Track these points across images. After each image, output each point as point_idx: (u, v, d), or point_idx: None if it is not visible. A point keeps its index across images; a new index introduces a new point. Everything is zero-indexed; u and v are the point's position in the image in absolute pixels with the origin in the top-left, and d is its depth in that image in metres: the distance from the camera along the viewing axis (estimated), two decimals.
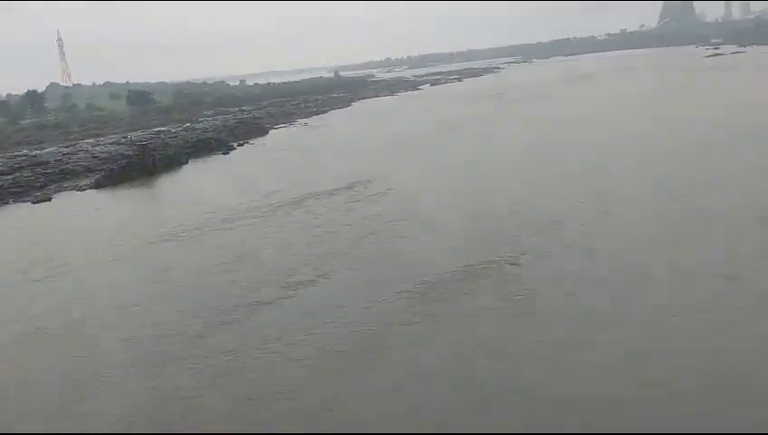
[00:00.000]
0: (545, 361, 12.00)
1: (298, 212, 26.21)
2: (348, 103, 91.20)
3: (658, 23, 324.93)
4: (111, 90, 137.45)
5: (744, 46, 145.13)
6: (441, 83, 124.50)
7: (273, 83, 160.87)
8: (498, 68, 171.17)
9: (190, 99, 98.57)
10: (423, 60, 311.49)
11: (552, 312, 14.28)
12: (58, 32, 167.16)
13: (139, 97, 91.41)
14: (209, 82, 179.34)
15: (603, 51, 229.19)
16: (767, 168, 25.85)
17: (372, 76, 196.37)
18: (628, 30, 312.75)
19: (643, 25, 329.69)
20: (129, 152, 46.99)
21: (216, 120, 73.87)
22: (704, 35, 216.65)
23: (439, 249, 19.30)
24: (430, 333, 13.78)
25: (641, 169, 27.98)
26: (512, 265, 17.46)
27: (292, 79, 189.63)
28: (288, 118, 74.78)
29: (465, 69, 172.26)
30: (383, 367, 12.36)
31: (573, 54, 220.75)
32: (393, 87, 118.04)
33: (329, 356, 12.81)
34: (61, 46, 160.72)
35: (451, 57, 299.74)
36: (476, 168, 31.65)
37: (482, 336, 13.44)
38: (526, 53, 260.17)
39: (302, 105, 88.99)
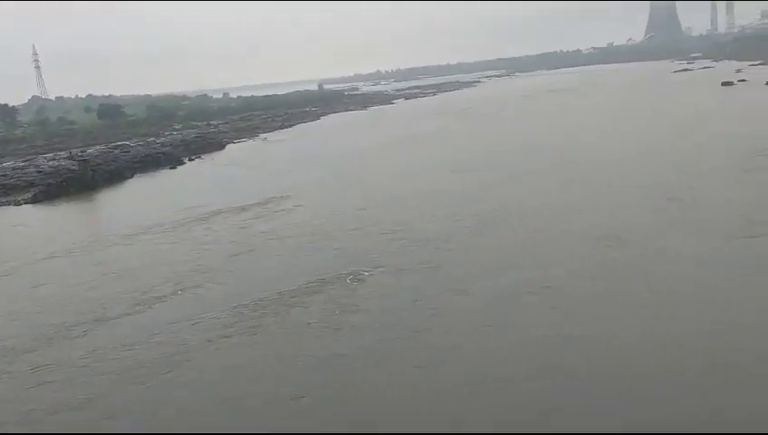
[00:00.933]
0: (338, 376, 12.66)
1: (199, 228, 26.90)
2: (317, 117, 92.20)
3: (644, 37, 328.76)
4: (93, 103, 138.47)
5: (718, 61, 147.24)
6: (415, 97, 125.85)
7: (255, 96, 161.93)
8: (479, 81, 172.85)
9: (162, 112, 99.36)
10: (411, 72, 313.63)
11: (365, 326, 14.94)
12: (33, 46, 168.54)
13: (110, 111, 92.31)
14: (193, 94, 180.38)
15: (587, 64, 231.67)
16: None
17: (356, 89, 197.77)
18: (615, 43, 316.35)
19: (630, 39, 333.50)
20: (74, 167, 47.66)
21: (181, 134, 74.76)
22: (685, 50, 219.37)
23: (305, 265, 19.97)
24: (239, 346, 14.45)
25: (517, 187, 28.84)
26: (357, 280, 18.13)
27: (281, 91, 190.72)
28: (251, 132, 75.59)
29: (446, 83, 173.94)
30: (172, 379, 13.01)
31: (557, 68, 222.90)
32: (366, 101, 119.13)
33: (129, 370, 13.44)
34: (36, 60, 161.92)
35: (438, 70, 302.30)
36: (387, 187, 32.33)
37: (286, 347, 14.11)
38: (512, 67, 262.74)
39: (271, 119, 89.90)
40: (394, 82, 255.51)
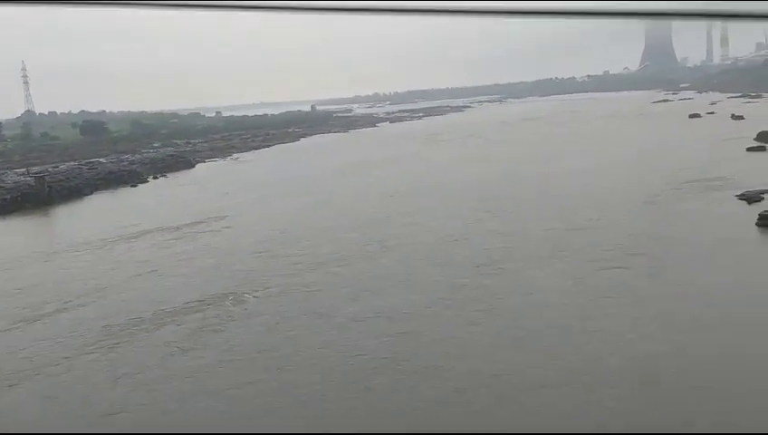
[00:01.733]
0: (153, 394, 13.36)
1: (122, 247, 27.71)
2: (296, 139, 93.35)
3: (639, 66, 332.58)
4: (85, 118, 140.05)
5: (702, 92, 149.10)
6: (401, 121, 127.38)
7: (246, 116, 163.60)
8: (469, 107, 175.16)
9: (146, 130, 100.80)
10: (408, 96, 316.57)
11: (217, 346, 15.67)
12: (23, 62, 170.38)
13: (93, 127, 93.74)
14: (187, 112, 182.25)
15: (580, 92, 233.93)
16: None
17: (350, 111, 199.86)
18: (611, 72, 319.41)
19: (626, 68, 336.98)
20: (33, 183, 48.61)
21: (157, 152, 75.89)
22: (675, 80, 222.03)
23: (198, 286, 20.75)
24: (93, 363, 15.16)
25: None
26: (238, 301, 18.89)
27: (277, 111, 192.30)
28: (226, 152, 76.64)
29: (438, 107, 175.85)
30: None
31: (550, 95, 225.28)
32: (351, 124, 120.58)
33: None
34: (24, 75, 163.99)
35: (435, 94, 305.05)
36: (314, 211, 33.09)
37: (129, 366, 14.82)
38: (507, 93, 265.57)
39: (251, 139, 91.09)
40: (390, 104, 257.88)
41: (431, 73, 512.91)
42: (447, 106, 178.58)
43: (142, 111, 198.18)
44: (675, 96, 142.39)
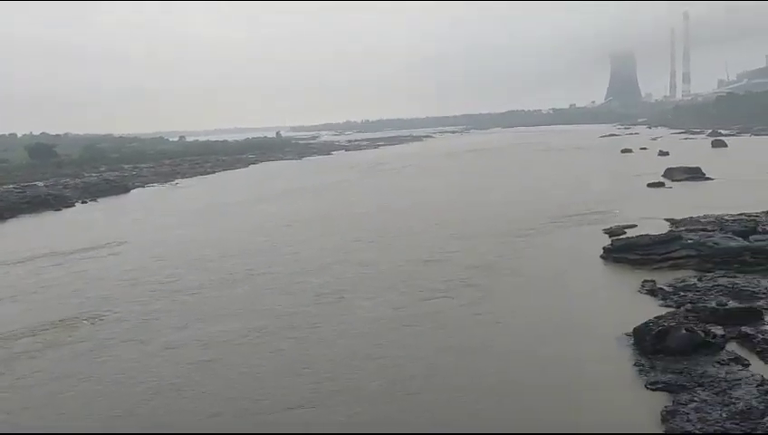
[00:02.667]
0: None
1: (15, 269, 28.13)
2: (247, 165, 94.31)
3: (604, 100, 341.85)
4: (44, 140, 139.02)
5: (652, 128, 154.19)
6: (358, 149, 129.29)
7: (209, 141, 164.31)
8: (430, 137, 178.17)
9: (97, 153, 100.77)
10: (380, 124, 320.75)
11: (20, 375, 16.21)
12: None
13: (42, 150, 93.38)
14: (148, 136, 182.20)
15: (543, 124, 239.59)
16: None
17: (315, 138, 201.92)
18: (577, 105, 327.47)
19: (593, 102, 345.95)
20: None
21: (100, 176, 76.10)
22: (634, 115, 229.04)
23: (37, 312, 21.21)
24: None
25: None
26: (70, 327, 19.45)
27: (243, 136, 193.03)
28: (170, 177, 77.08)
29: (399, 136, 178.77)
30: None
31: (512, 127, 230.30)
32: (306, 151, 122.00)
33: None
34: None
35: (403, 123, 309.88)
36: (214, 241, 33.67)
37: None
38: (473, 123, 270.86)
39: (200, 165, 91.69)
40: (357, 132, 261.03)
41: (405, 103, 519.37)
42: (410, 136, 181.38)
43: (108, 134, 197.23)
44: (626, 131, 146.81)
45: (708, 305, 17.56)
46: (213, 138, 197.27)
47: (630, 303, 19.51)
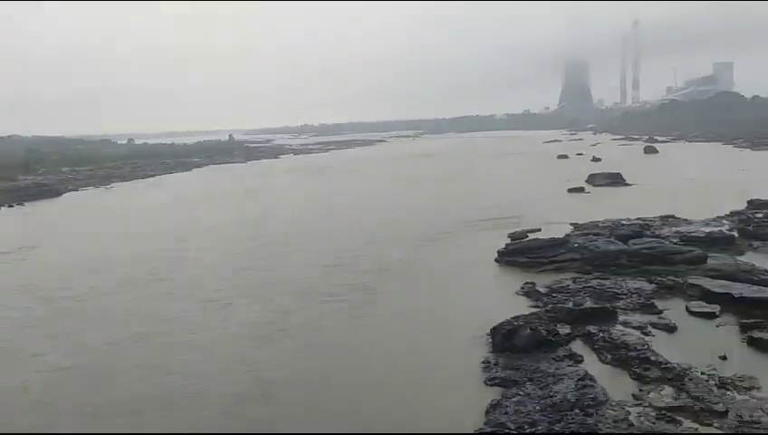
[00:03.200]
0: None
1: None
2: (189, 168, 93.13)
3: (558, 106, 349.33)
4: None
5: (597, 133, 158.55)
6: (307, 153, 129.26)
7: (159, 143, 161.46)
8: (384, 141, 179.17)
9: (37, 156, 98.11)
10: (338, 128, 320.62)
11: None
12: None
13: None
14: (97, 138, 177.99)
15: (496, 129, 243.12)
16: None
17: (269, 141, 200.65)
18: (532, 111, 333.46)
19: (547, 108, 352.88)
20: None
21: (38, 178, 74.40)
22: (583, 121, 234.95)
23: None
24: None
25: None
26: None
27: (195, 140, 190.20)
28: (107, 180, 75.60)
29: (352, 141, 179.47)
30: None
31: (466, 132, 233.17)
32: (255, 155, 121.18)
33: None
34: None
35: (360, 127, 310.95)
36: (109, 246, 33.39)
37: None
38: (429, 128, 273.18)
39: (141, 168, 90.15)
40: (314, 135, 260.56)
41: (364, 107, 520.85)
42: (363, 140, 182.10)
43: (59, 136, 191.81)
44: (571, 136, 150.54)
45: (565, 306, 18.54)
46: (167, 140, 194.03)
47: (505, 303, 20.31)
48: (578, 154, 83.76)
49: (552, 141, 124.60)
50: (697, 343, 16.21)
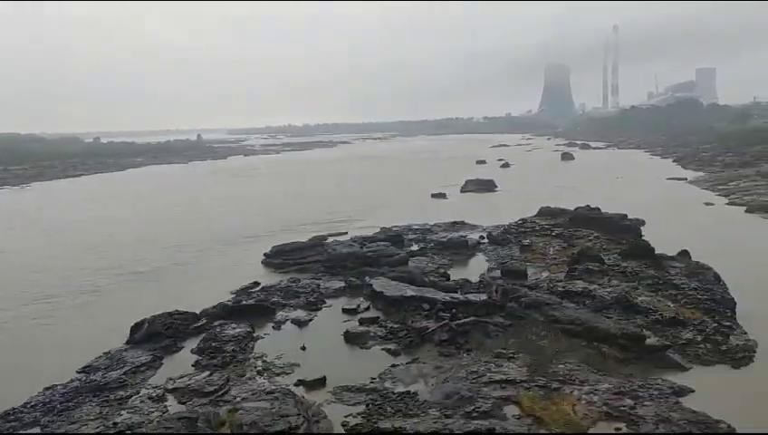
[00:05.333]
0: None
1: None
2: (124, 168, 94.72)
3: (538, 109, 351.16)
4: None
5: (550, 139, 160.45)
6: (260, 153, 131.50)
7: (112, 142, 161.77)
8: (348, 143, 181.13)
9: None
10: (316, 129, 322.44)
11: None
12: None
13: None
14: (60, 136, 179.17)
15: (472, 132, 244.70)
16: None
17: (239, 142, 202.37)
18: (513, 114, 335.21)
19: (530, 111, 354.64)
20: None
21: None
22: (556, 125, 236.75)
23: None
24: None
25: None
26: None
27: (165, 138, 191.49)
28: (29, 179, 77.33)
29: (318, 142, 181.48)
30: None
31: (447, 134, 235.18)
32: (201, 155, 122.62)
33: None
34: None
35: (344, 127, 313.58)
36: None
37: None
38: (407, 130, 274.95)
39: (75, 167, 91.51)
40: (290, 136, 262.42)
41: (346, 109, 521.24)
42: (329, 141, 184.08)
43: (15, 133, 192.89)
44: (529, 140, 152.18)
45: (230, 304, 20.36)
46: (138, 139, 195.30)
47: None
48: (498, 159, 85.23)
49: (499, 146, 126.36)
50: (302, 336, 18.06)
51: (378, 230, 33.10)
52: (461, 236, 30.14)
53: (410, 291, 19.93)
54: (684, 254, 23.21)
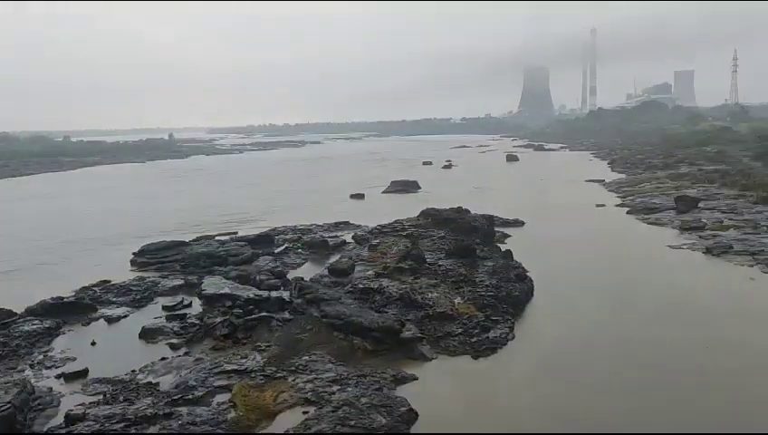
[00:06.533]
0: None
1: None
2: (75, 168, 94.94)
3: (517, 111, 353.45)
4: None
5: (514, 139, 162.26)
6: (222, 153, 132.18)
7: (82, 140, 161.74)
8: (318, 142, 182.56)
9: None
10: (296, 129, 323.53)
11: None
12: None
13: None
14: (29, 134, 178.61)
15: (448, 133, 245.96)
16: None
17: (211, 141, 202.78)
18: (492, 115, 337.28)
19: (510, 112, 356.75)
20: None
21: None
22: (531, 127, 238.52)
23: None
24: None
25: None
26: None
27: (139, 137, 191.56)
28: None
29: (288, 142, 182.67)
30: None
31: (420, 135, 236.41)
32: (160, 155, 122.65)
33: None
34: None
35: (323, 127, 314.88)
36: None
37: None
38: (386, 130, 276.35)
39: (26, 165, 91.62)
40: (266, 136, 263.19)
41: (329, 108, 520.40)
42: (300, 142, 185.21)
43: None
44: (495, 142, 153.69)
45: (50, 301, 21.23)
46: (112, 138, 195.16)
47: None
48: (446, 161, 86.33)
49: (460, 147, 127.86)
50: (103, 332, 19.10)
51: (270, 229, 34.30)
52: (333, 236, 31.34)
53: (227, 289, 20.95)
54: (507, 254, 24.51)
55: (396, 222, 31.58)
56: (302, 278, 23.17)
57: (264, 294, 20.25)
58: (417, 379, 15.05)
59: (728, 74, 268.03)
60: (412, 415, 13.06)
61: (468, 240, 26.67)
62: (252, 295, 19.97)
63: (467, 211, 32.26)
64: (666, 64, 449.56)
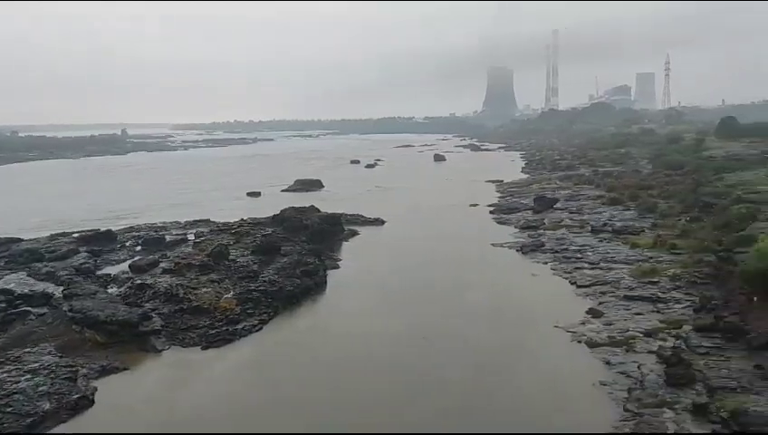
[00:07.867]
0: None
1: None
2: (8, 163, 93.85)
3: (481, 110, 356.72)
4: None
5: (463, 139, 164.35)
6: (167, 150, 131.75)
7: (31, 135, 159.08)
8: (270, 140, 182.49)
9: None
10: (260, 126, 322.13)
11: None
12: None
13: None
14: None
15: (410, 132, 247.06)
16: None
17: (167, 138, 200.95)
18: (457, 114, 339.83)
19: (476, 111, 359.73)
20: None
21: None
22: (490, 126, 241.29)
23: None
24: None
25: None
26: None
27: (89, 133, 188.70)
28: None
29: (242, 139, 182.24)
30: None
31: (379, 133, 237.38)
32: (98, 151, 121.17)
33: None
34: None
35: (285, 124, 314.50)
36: None
37: None
38: (345, 128, 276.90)
39: None
40: (225, 133, 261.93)
41: (299, 106, 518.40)
42: (253, 139, 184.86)
43: None
44: (440, 141, 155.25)
45: None
46: (63, 134, 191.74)
47: None
48: (376, 160, 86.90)
49: (403, 146, 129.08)
50: None
51: (127, 227, 34.75)
52: (182, 234, 31.85)
53: (14, 285, 21.47)
54: (315, 251, 25.44)
55: (242, 220, 32.18)
56: (110, 274, 23.84)
57: (40, 289, 20.79)
58: (127, 369, 15.79)
59: (691, 76, 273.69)
60: (84, 402, 13.78)
61: (298, 239, 27.59)
62: (27, 291, 20.51)
63: (317, 210, 33.15)
64: (631, 66, 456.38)
